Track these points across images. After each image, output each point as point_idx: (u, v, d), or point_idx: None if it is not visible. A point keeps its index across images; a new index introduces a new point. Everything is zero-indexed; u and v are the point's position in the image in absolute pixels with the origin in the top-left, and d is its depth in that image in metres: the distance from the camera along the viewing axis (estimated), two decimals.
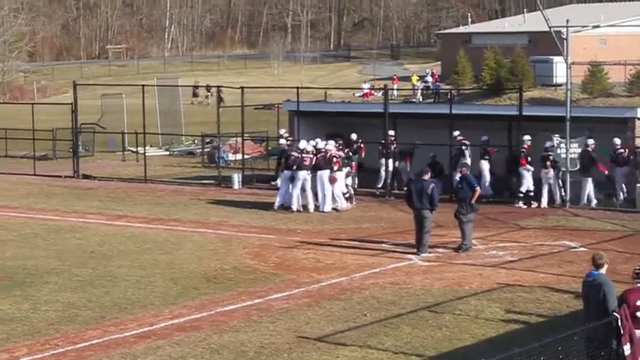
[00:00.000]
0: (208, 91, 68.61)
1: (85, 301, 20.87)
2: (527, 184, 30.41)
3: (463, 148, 33.89)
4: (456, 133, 34.07)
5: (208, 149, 45.01)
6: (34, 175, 40.44)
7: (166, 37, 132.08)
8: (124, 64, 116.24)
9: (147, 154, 43.16)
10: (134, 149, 45.09)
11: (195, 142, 47.47)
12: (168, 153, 50.51)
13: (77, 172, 39.32)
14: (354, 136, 34.37)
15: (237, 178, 37.85)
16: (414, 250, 25.07)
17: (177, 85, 56.78)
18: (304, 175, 31.88)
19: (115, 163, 40.61)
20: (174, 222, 30.58)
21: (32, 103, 55.44)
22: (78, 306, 20.46)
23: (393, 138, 34.63)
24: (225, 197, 35.42)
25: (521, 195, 30.54)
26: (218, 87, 44.21)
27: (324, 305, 20.27)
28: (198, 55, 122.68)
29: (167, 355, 16.71)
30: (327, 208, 31.64)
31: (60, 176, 40.75)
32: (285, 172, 32.01)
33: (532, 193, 31.12)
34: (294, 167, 31.58)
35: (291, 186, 32.05)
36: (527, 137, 32.07)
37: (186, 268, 24.31)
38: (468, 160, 33.06)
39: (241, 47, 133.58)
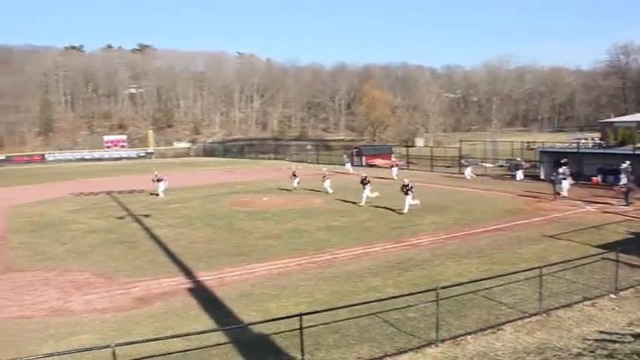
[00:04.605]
0: None
1: (446, 218, 24.19)
2: None
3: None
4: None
5: None
6: None
7: None
8: None
9: None
10: None
11: None
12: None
13: None
14: None
15: (519, 174, 38.29)
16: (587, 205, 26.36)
17: None
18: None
19: None
20: (494, 190, 33.37)
21: None
22: (439, 221, 23.44)
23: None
24: (512, 182, 37.09)
25: None
26: None
27: (552, 224, 22.65)
28: None
29: (490, 240, 19.77)
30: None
31: None
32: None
33: None
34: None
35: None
36: None
37: (500, 207, 27.26)
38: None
39: None
